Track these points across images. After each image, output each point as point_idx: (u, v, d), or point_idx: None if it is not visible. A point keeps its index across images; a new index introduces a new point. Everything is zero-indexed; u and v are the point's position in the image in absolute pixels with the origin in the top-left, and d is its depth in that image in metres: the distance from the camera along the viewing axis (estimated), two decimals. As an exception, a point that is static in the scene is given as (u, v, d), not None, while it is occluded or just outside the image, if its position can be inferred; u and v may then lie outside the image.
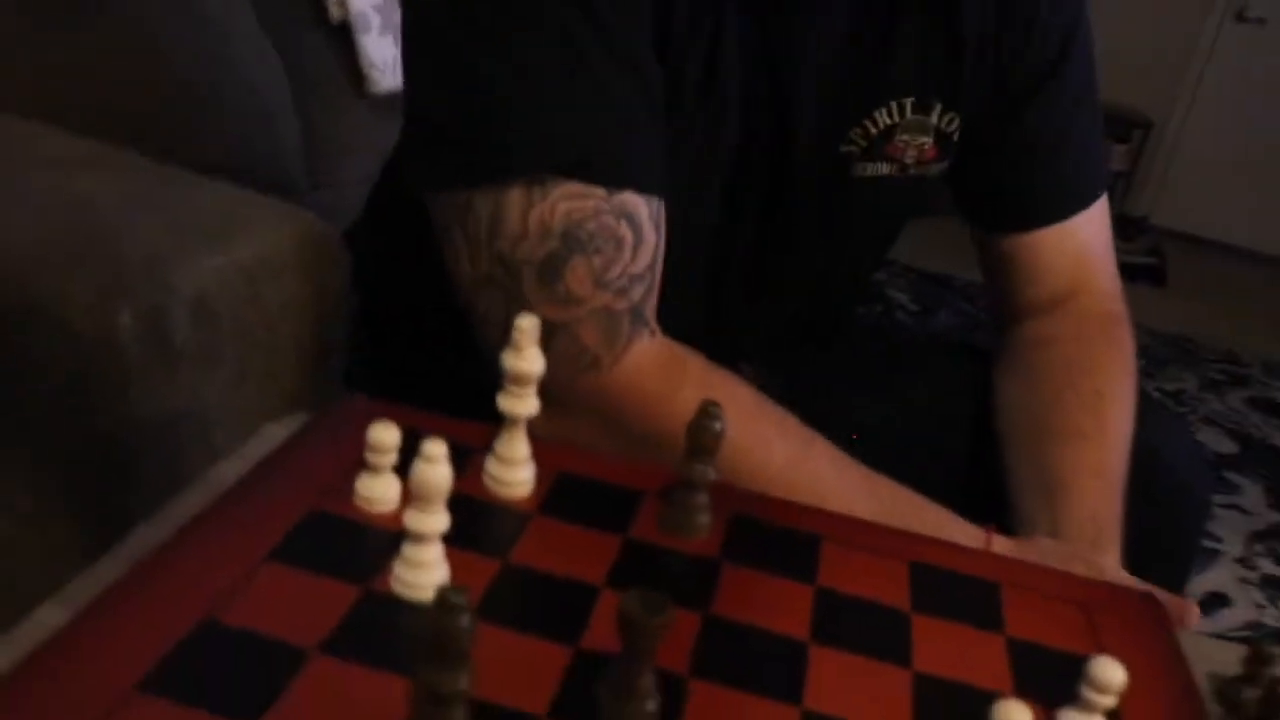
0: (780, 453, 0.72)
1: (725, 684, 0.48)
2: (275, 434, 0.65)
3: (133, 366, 0.73)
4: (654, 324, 0.74)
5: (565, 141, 0.70)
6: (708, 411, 0.57)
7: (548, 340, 0.58)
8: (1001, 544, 0.74)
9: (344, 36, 1.56)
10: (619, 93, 0.71)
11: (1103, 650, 0.53)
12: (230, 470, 0.61)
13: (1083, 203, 0.93)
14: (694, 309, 0.80)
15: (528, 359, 0.56)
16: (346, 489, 0.55)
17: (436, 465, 0.48)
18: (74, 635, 0.44)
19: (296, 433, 0.62)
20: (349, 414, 0.63)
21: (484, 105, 0.71)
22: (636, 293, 0.72)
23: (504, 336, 0.64)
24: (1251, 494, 2.41)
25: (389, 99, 1.56)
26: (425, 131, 0.75)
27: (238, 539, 0.50)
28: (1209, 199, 3.87)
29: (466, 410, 0.63)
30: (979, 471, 0.89)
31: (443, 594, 0.38)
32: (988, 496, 0.83)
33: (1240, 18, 3.73)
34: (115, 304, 0.72)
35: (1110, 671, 0.47)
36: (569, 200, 0.70)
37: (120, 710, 0.40)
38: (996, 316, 0.99)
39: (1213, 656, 0.63)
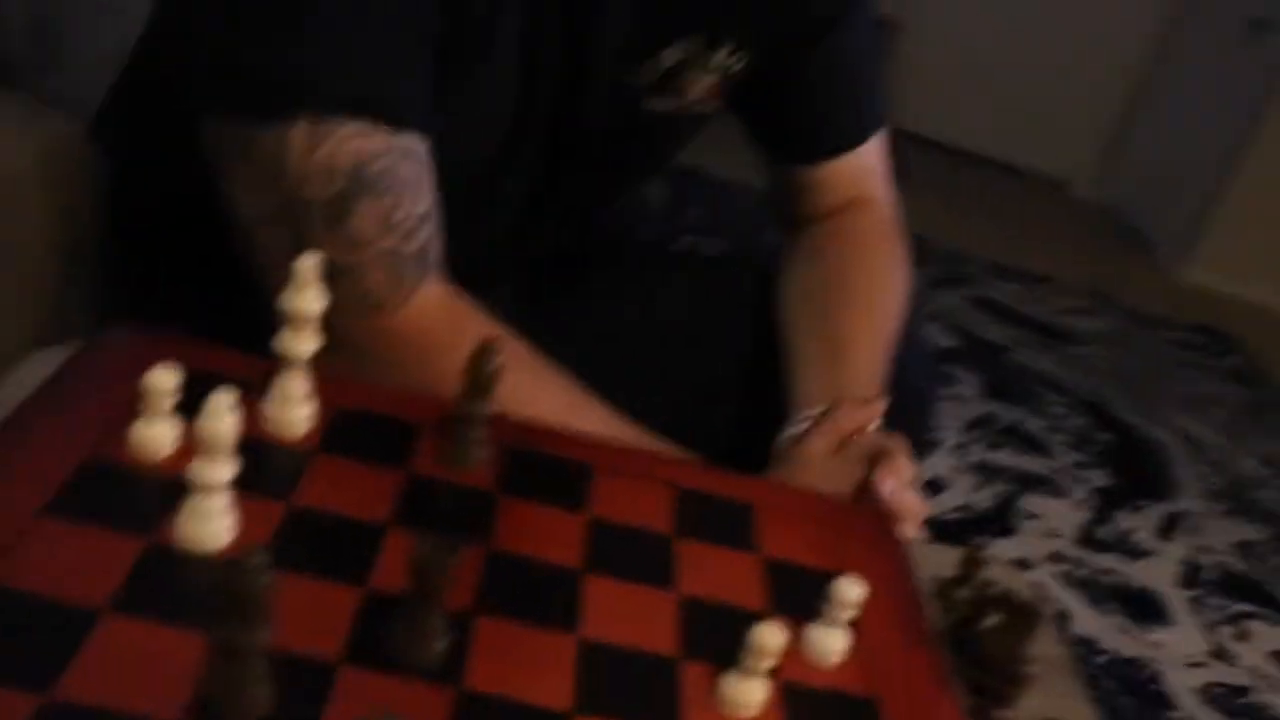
0: (561, 405, 0.74)
1: (509, 618, 0.51)
2: (32, 371, 0.63)
3: None
4: (439, 268, 0.74)
5: (351, 80, 0.68)
6: (485, 348, 0.59)
7: (332, 282, 0.58)
8: None
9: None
10: (400, 32, 0.70)
11: (844, 565, 0.60)
12: (-13, 411, 0.59)
13: (869, 133, 0.99)
14: (464, 231, 0.80)
15: (308, 299, 0.56)
16: (120, 433, 0.54)
17: (224, 417, 0.48)
18: None
19: (61, 370, 0.60)
20: (117, 348, 0.62)
21: (270, 39, 0.68)
22: (423, 235, 0.72)
23: (282, 269, 0.63)
24: (968, 385, 2.63)
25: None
26: (204, 56, 0.71)
27: (9, 493, 0.49)
28: (946, 104, 4.12)
29: (232, 331, 0.63)
30: (756, 383, 0.95)
31: (241, 554, 0.40)
32: (765, 406, 0.89)
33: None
34: None
35: (851, 589, 0.54)
36: (355, 139, 0.68)
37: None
38: (778, 219, 1.05)
39: (936, 560, 0.71)
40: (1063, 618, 1.86)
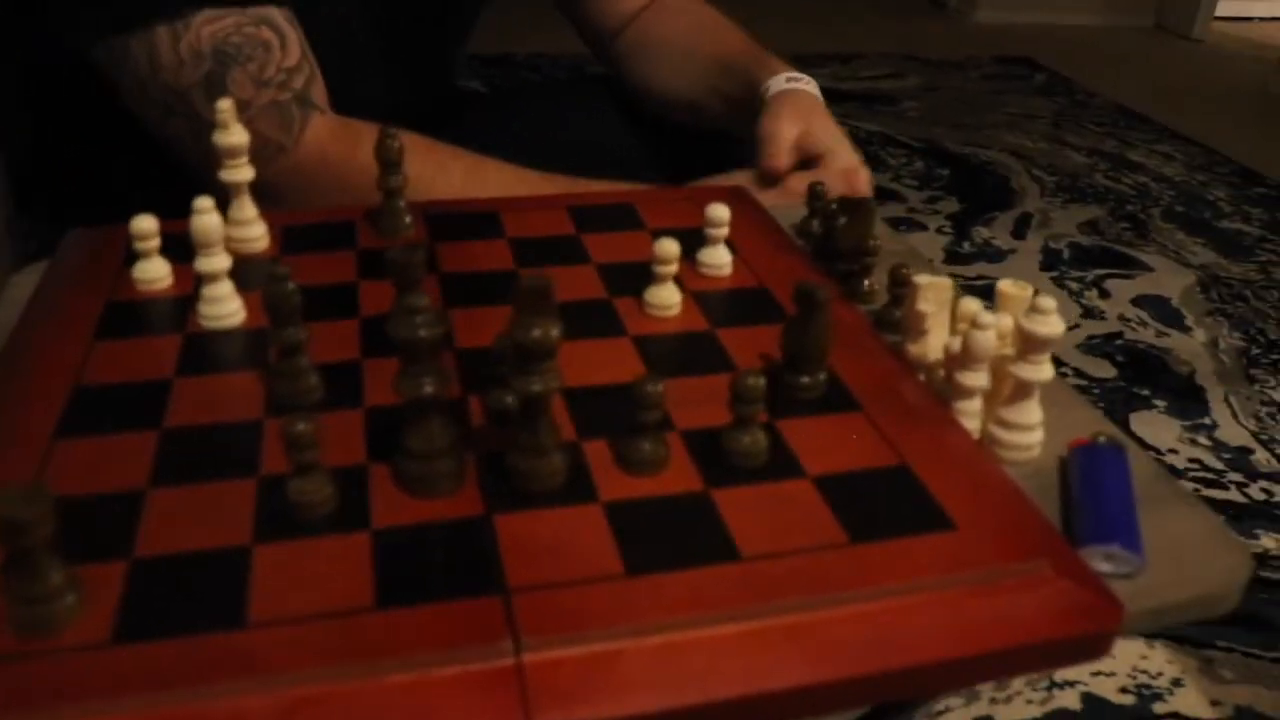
0: (459, 171, 0.88)
1: (474, 307, 0.66)
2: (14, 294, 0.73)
3: None
4: (323, 105, 0.87)
5: None
6: (385, 133, 0.72)
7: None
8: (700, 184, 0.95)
9: None
10: None
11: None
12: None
13: None
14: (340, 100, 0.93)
15: (235, 134, 0.69)
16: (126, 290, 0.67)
17: (211, 214, 0.61)
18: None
19: (44, 279, 0.69)
20: (79, 246, 0.73)
21: None
22: (298, 82, 0.84)
23: (197, 153, 0.76)
24: (813, 167, 2.81)
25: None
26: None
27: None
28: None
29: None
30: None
31: (272, 269, 0.53)
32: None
33: None
34: None
35: (719, 209, 0.69)
36: (211, 24, 0.81)
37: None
38: (597, 46, 1.20)
39: (792, 213, 0.87)
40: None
